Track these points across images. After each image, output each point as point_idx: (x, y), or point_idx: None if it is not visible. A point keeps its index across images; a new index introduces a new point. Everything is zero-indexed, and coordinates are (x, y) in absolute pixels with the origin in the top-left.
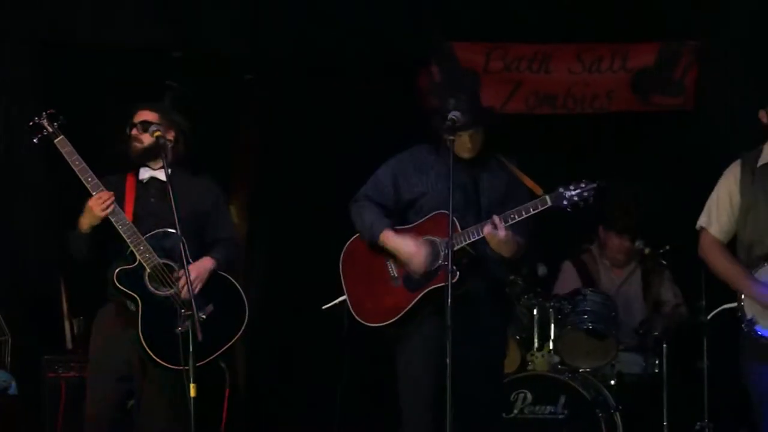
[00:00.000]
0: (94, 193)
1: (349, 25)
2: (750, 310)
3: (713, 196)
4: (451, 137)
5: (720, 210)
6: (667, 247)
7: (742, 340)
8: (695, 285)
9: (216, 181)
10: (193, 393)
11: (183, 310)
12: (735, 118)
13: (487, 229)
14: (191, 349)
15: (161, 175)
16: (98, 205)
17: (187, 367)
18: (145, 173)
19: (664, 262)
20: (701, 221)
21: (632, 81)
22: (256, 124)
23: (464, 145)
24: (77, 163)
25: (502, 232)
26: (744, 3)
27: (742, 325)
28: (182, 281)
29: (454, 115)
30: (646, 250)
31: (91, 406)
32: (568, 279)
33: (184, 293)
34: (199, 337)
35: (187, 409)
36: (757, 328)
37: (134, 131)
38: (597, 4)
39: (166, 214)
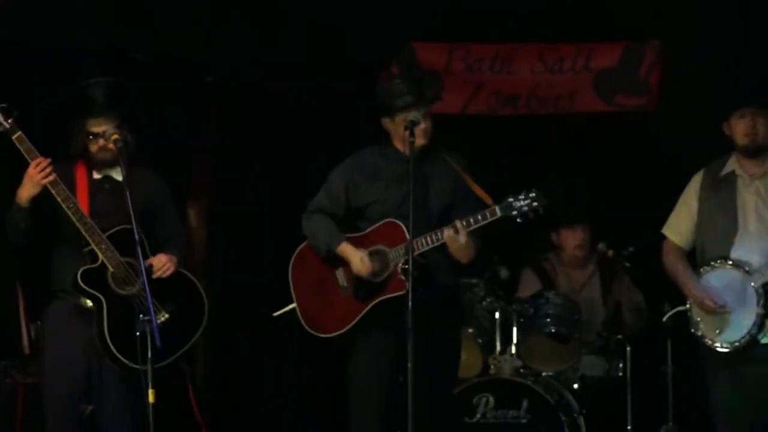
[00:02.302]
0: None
1: (309, 26)
2: (696, 313)
3: (677, 204)
4: (412, 139)
5: (680, 218)
6: (631, 249)
7: (699, 346)
8: (659, 287)
9: (160, 173)
10: (152, 399)
11: (141, 315)
12: (698, 118)
13: (448, 233)
14: (149, 354)
15: (115, 173)
16: (37, 172)
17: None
18: (99, 172)
19: (628, 264)
20: (665, 228)
21: (595, 81)
22: (217, 127)
23: (418, 129)
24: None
25: (463, 238)
26: (708, 2)
27: (691, 327)
28: (155, 266)
29: (414, 116)
30: (609, 252)
31: (49, 407)
32: (529, 283)
33: (157, 274)
34: (158, 343)
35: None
36: (700, 331)
37: (101, 141)
38: (560, 4)
39: (120, 212)
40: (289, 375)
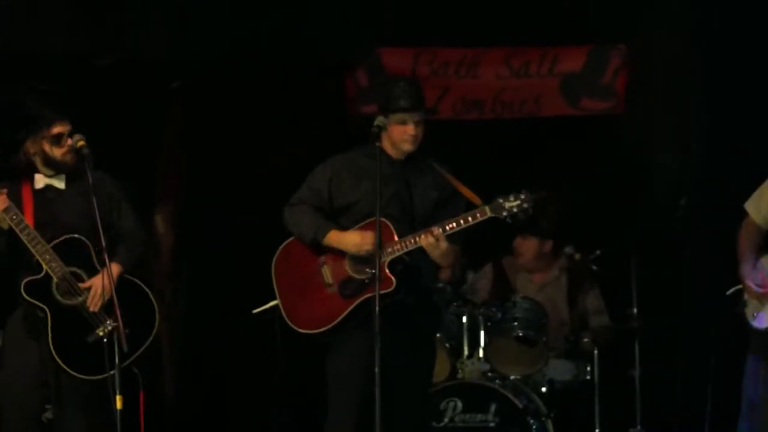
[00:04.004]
0: None
1: (275, 31)
2: (747, 295)
3: (764, 183)
4: (378, 143)
5: (762, 197)
6: (598, 252)
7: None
8: (626, 291)
9: (109, 174)
10: (119, 405)
11: (109, 322)
12: (664, 120)
13: (427, 241)
14: (117, 362)
15: (57, 182)
16: None
17: (98, 377)
18: (40, 181)
19: (595, 268)
20: (747, 203)
21: (561, 85)
22: (184, 132)
23: (407, 134)
24: None
25: (443, 244)
26: (672, 7)
27: (740, 305)
28: (92, 291)
29: (380, 121)
30: (576, 256)
31: (8, 418)
32: (482, 285)
33: (94, 306)
34: (125, 347)
35: (109, 419)
36: (746, 310)
37: (69, 141)
38: (525, 8)
39: (67, 221)
40: (263, 376)
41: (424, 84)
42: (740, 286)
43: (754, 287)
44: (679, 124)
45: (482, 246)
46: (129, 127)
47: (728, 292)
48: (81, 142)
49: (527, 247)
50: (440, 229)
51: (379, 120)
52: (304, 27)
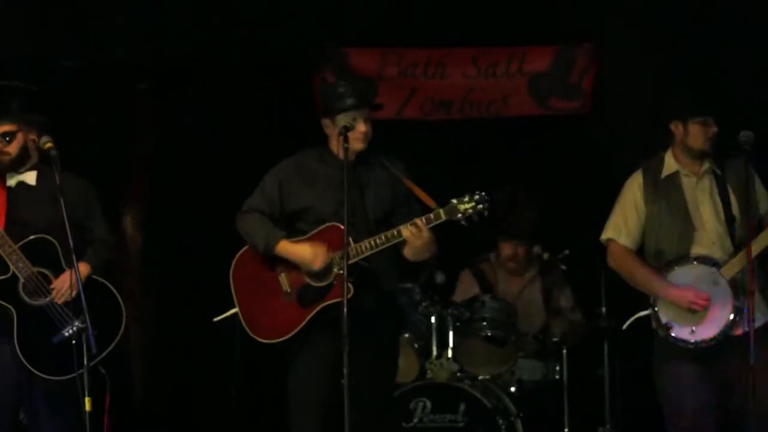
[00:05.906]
0: None
1: (240, 32)
2: (665, 314)
3: (618, 207)
4: (346, 145)
5: (628, 219)
6: (566, 252)
7: (657, 344)
8: (595, 290)
9: (86, 179)
10: (88, 407)
11: (78, 323)
12: (632, 120)
13: (408, 231)
14: (85, 363)
15: (28, 179)
16: None
17: (68, 377)
18: (11, 179)
19: (564, 267)
20: (609, 233)
21: (529, 85)
22: (151, 134)
23: (357, 132)
24: None
25: (426, 233)
26: (639, 6)
27: (658, 330)
28: (57, 285)
29: (347, 122)
30: (545, 256)
31: None
32: (467, 286)
33: (60, 299)
34: (93, 349)
35: (78, 420)
36: (672, 332)
37: None
38: (491, 8)
39: (36, 221)
40: (228, 380)
41: (391, 84)
42: (641, 314)
43: (698, 300)
44: (646, 124)
45: (458, 248)
46: (96, 129)
47: (624, 326)
48: (48, 144)
49: (509, 251)
50: (421, 219)
51: (346, 120)
52: (271, 28)
